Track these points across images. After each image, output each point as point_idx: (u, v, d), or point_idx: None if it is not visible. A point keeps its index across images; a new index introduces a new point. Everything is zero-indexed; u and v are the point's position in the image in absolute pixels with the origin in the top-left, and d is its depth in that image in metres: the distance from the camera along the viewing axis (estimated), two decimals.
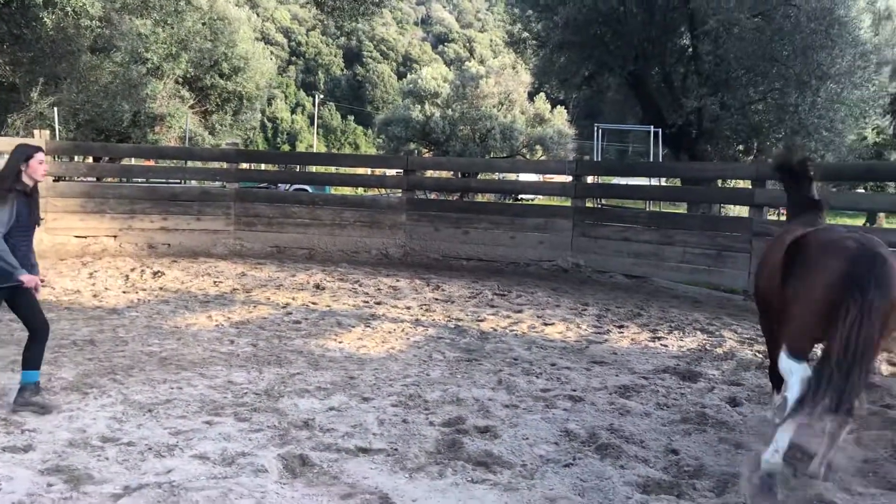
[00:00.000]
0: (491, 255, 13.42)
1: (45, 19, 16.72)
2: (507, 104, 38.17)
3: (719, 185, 16.32)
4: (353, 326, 7.99)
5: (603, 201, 15.07)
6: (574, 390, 5.80)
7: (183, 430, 4.59)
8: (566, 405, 5.40)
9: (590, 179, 15.79)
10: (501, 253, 13.36)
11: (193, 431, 4.56)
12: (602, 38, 17.62)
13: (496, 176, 31.38)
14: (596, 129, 19.09)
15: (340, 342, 7.29)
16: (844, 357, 3.60)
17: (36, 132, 13.77)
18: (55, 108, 18.36)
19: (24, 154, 4.91)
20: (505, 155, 35.86)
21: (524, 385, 5.88)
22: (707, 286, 11.75)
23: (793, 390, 3.83)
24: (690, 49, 18.68)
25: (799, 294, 3.99)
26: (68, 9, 14.11)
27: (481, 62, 47.89)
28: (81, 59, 19.14)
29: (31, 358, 4.96)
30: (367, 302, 9.47)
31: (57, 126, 17.88)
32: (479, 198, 26.82)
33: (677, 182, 19.54)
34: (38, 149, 5.05)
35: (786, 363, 3.98)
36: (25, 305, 4.97)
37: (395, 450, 4.39)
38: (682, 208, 21.36)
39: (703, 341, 7.84)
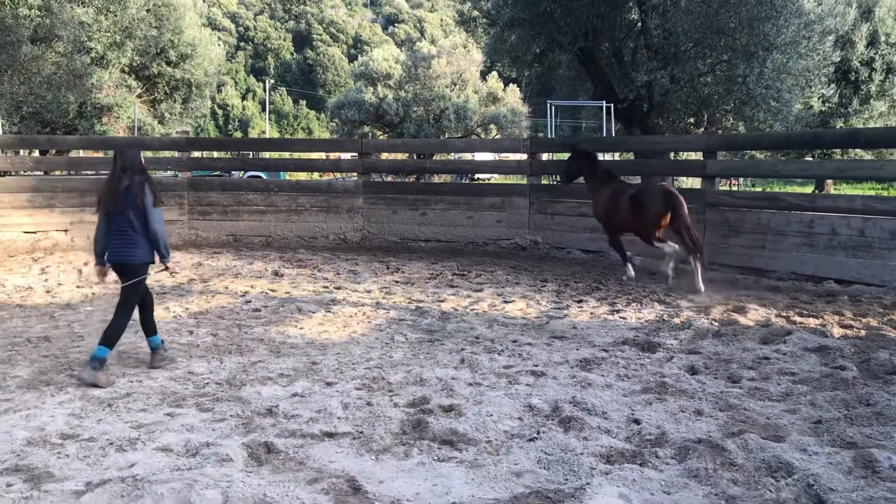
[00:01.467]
0: (449, 236, 13.44)
1: None
2: (460, 84, 38.07)
3: (672, 157, 16.51)
4: (314, 312, 7.96)
5: (558, 178, 15.15)
6: (536, 366, 5.85)
7: (144, 423, 4.54)
8: (529, 381, 5.46)
9: (545, 157, 15.87)
10: (460, 233, 13.39)
11: (155, 424, 4.52)
12: (552, 15, 17.62)
13: (452, 156, 31.34)
14: (549, 106, 19.15)
15: (301, 328, 7.26)
16: (691, 235, 9.22)
17: None
18: None
19: None
20: (460, 135, 35.82)
21: (487, 363, 5.92)
22: None
23: (671, 247, 9.39)
24: (639, 23, 18.79)
25: (648, 215, 9.38)
26: None
27: (432, 42, 47.66)
28: (22, 49, 18.52)
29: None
30: (326, 287, 9.43)
31: (0, 120, 17.37)
32: (436, 179, 26.80)
33: (631, 156, 19.72)
34: None
35: (661, 245, 9.51)
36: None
37: (361, 433, 4.39)
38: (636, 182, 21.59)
39: (661, 312, 7.97)
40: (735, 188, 29.71)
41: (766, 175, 23.04)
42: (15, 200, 13.08)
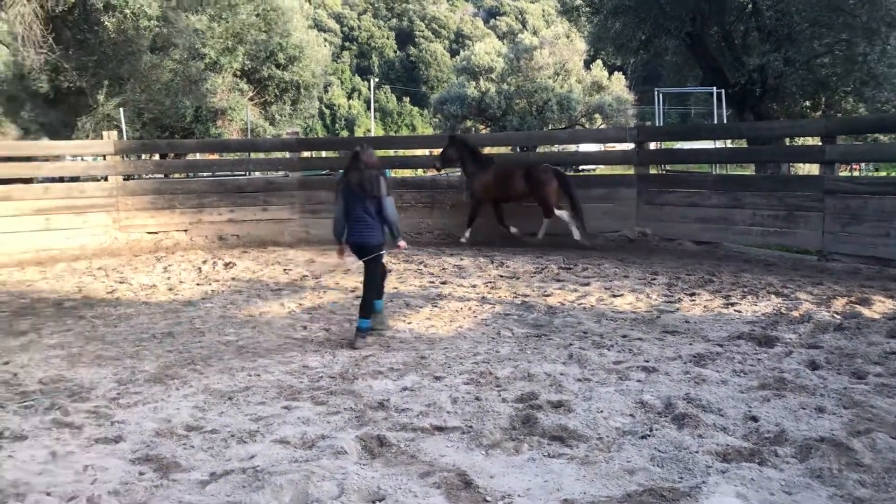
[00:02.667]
0: (555, 229, 13.31)
1: (107, 23, 17.16)
2: (563, 74, 37.64)
3: (787, 143, 15.83)
4: (421, 307, 8.05)
5: (667, 167, 14.77)
6: (647, 361, 5.74)
7: (263, 415, 4.71)
8: (640, 376, 5.36)
9: (652, 146, 15.51)
10: (565, 226, 13.24)
11: (273, 417, 4.68)
12: (658, 1, 17.18)
13: (555, 148, 31.06)
14: (656, 93, 18.68)
15: (409, 323, 7.36)
16: (577, 205, 12.22)
17: (104, 133, 14.18)
18: (121, 109, 18.87)
19: None
20: (563, 126, 35.44)
21: (596, 358, 5.85)
22: (779, 248, 11.47)
23: (565, 214, 12.27)
24: (750, 5, 18.09)
25: (546, 190, 12.20)
26: (127, 11, 14.46)
27: (534, 33, 47.32)
28: (142, 59, 19.58)
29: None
30: (432, 282, 9.53)
31: (124, 126, 18.38)
32: None
33: (743, 143, 19.03)
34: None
35: (560, 213, 12.26)
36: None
37: (470, 427, 4.42)
38: (749, 170, 20.82)
39: (778, 305, 7.66)
40: (857, 173, 28.22)
41: (890, 160, 21.80)
42: (138, 203, 13.80)
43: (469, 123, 38.28)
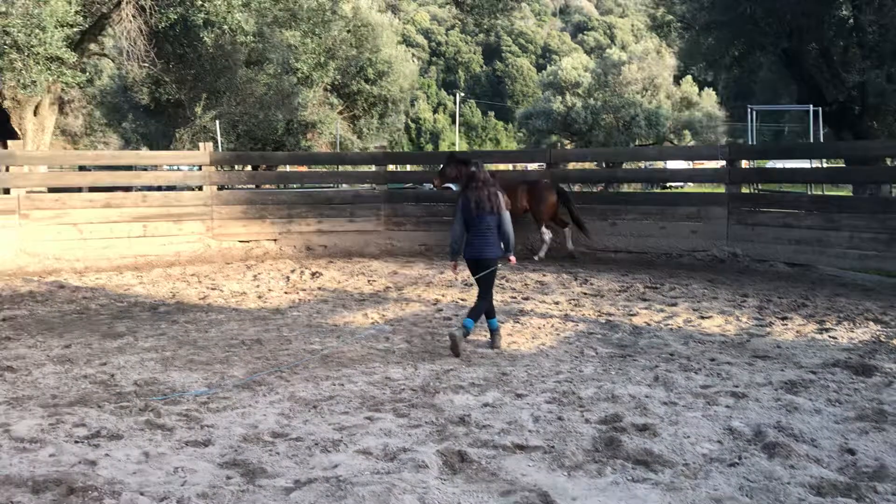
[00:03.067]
0: (640, 247, 13.11)
1: (206, 38, 17.83)
2: (652, 89, 37.12)
3: (888, 163, 15.17)
4: (502, 322, 8.02)
5: (759, 186, 14.33)
6: (736, 386, 5.56)
7: (346, 425, 4.78)
8: (728, 402, 5.20)
9: (744, 164, 15.10)
10: (651, 244, 13.02)
11: (356, 427, 4.74)
12: (752, 16, 16.75)
13: (642, 165, 30.59)
14: (749, 110, 18.19)
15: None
16: (578, 218, 12.85)
17: (201, 145, 14.70)
18: (217, 121, 19.56)
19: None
20: (651, 142, 34.90)
21: (682, 381, 5.71)
22: (878, 273, 10.98)
23: (547, 235, 12.96)
24: (851, 20, 17.45)
25: (542, 205, 12.84)
26: (225, 27, 14.98)
27: (623, 48, 46.85)
28: (238, 73, 20.27)
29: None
30: (514, 297, 9.50)
31: (219, 138, 19.04)
32: (626, 188, 26.26)
33: (840, 163, 18.33)
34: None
35: (545, 230, 12.87)
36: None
37: (552, 447, 4.37)
38: (846, 190, 20.03)
39: (877, 332, 7.33)
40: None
41: None
42: (231, 212, 14.23)
43: (554, 138, 38.11)
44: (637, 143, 35.17)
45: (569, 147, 36.92)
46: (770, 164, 25.11)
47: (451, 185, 14.14)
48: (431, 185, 13.92)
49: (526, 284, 10.47)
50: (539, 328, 7.78)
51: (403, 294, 9.85)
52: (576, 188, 22.01)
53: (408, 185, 23.00)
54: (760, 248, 12.14)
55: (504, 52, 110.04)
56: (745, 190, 13.77)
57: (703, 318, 8.18)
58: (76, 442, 4.50)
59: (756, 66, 19.10)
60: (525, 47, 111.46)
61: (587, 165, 20.48)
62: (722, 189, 13.41)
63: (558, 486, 3.81)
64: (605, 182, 23.29)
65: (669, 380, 5.72)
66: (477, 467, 4.07)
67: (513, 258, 7.15)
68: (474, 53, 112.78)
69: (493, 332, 7.05)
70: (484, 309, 6.91)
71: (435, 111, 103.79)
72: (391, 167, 17.09)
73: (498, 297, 9.47)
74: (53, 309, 8.94)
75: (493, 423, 4.80)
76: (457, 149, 71.74)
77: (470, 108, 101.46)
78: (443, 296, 9.65)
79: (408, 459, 4.12)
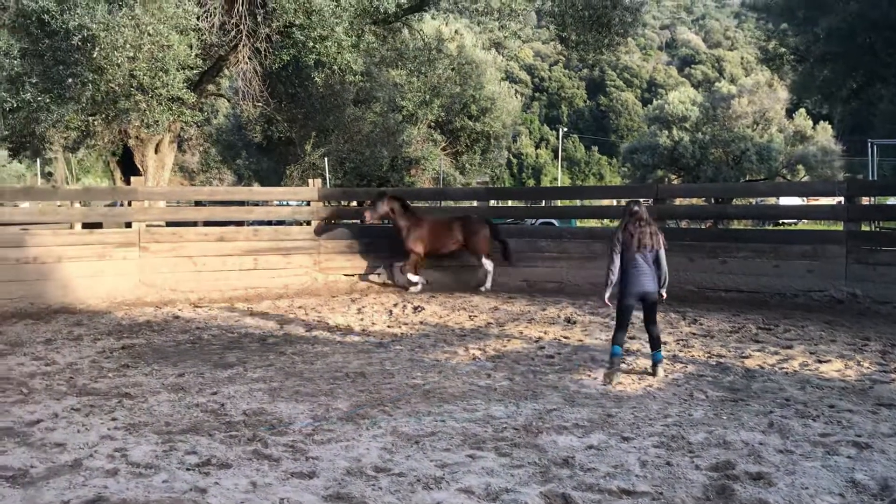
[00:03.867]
0: (752, 286, 12.60)
1: (316, 78, 18.48)
2: (763, 123, 36.02)
3: None
4: (604, 362, 7.84)
5: (881, 224, 13.62)
6: (859, 436, 5.23)
7: (448, 462, 4.74)
8: (850, 452, 4.89)
9: (865, 201, 14.39)
10: (764, 283, 12.51)
11: (458, 465, 4.69)
12: (871, 47, 16.05)
13: (753, 201, 29.60)
14: (869, 144, 17.37)
15: (595, 378, 7.19)
16: (509, 252, 13.74)
17: (310, 181, 15.16)
18: (325, 158, 20.16)
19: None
20: (762, 177, 33.78)
21: (799, 429, 5.41)
22: None
23: (489, 265, 13.57)
24: None
25: (479, 238, 13.50)
26: (335, 67, 15.47)
27: (732, 81, 45.77)
28: (346, 111, 20.89)
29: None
30: None
31: (327, 174, 19.60)
32: (736, 224, 25.45)
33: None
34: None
35: (487, 262, 13.52)
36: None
37: (661, 493, 4.21)
38: None
39: None
40: None
41: None
42: (337, 246, 14.57)
43: (660, 173, 37.43)
44: (748, 178, 34.10)
45: (676, 182, 36.17)
46: (892, 200, 23.90)
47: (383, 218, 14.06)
48: (360, 220, 14.03)
49: (632, 323, 10.21)
50: (646, 369, 7.56)
51: (505, 330, 9.79)
52: (682, 224, 21.50)
53: (509, 221, 23.02)
54: (882, 288, 11.47)
55: (608, 86, 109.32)
56: (865, 228, 13.09)
57: (820, 361, 7.76)
58: (188, 469, 4.64)
59: (876, 98, 18.26)
60: (630, 81, 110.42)
61: (696, 201, 19.95)
62: (839, 226, 12.78)
63: None
64: (715, 218, 22.64)
65: (785, 426, 5.43)
66: None
67: (664, 293, 7.40)
68: (578, 88, 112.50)
69: (615, 356, 7.33)
70: (657, 334, 7.43)
71: (537, 146, 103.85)
72: (493, 202, 17.13)
73: (602, 336, 9.30)
74: (169, 338, 9.32)
75: (598, 465, 4.67)
76: (559, 184, 71.52)
77: (573, 142, 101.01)
78: (545, 333, 9.53)
79: (510, 500, 4.05)
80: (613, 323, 10.12)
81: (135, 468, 4.65)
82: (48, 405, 6.17)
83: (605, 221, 22.91)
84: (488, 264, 13.49)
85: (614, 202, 20.79)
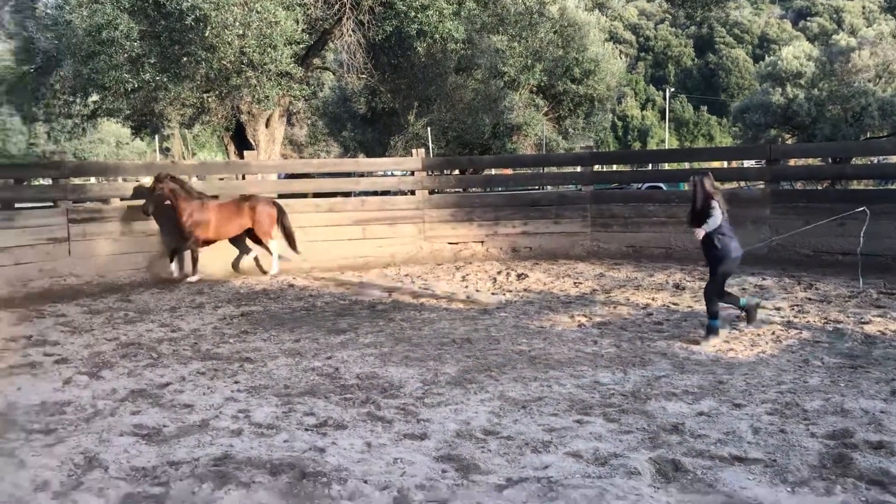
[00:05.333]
0: (874, 249, 11.99)
1: (418, 48, 18.56)
2: (887, 77, 33.86)
3: None
4: (719, 328, 7.68)
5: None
6: None
7: (556, 427, 4.81)
8: None
9: None
10: (888, 246, 11.89)
11: (565, 429, 4.75)
12: None
13: (875, 160, 28.04)
14: None
15: (711, 344, 7.07)
16: (291, 234, 12.83)
17: (413, 151, 15.34)
18: (428, 128, 20.32)
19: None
20: (885, 134, 31.88)
21: None
22: None
23: (273, 245, 12.66)
24: None
25: (268, 220, 12.45)
26: (437, 36, 15.50)
27: (852, 33, 43.20)
28: (448, 80, 20.93)
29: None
30: None
31: (430, 144, 19.75)
32: (855, 185, 24.21)
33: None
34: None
35: (272, 244, 12.60)
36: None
37: (774, 461, 4.15)
38: None
39: None
40: None
41: None
42: (441, 215, 14.73)
43: (773, 132, 35.88)
44: (868, 135, 32.26)
45: (790, 142, 34.62)
46: None
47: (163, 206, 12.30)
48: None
49: (744, 289, 9.96)
50: (758, 335, 7.38)
51: (611, 297, 9.72)
52: (797, 186, 20.62)
53: (614, 186, 22.65)
54: None
55: (717, 43, 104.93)
56: None
57: None
58: (306, 430, 4.88)
59: None
60: (740, 38, 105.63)
61: (811, 161, 19.05)
62: None
63: (781, 502, 3.61)
64: (832, 179, 21.58)
65: None
66: (692, 477, 3.95)
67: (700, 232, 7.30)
68: (685, 47, 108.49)
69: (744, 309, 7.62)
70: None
71: (643, 108, 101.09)
72: (597, 167, 16.90)
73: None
74: (284, 306, 9.72)
75: (708, 432, 4.63)
76: (666, 146, 69.56)
77: (680, 103, 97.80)
78: (653, 300, 9.41)
79: (619, 465, 4.08)
80: (727, 289, 9.92)
81: (257, 428, 4.93)
82: (176, 369, 6.58)
83: (716, 185, 22.28)
84: (272, 244, 12.61)
85: (724, 164, 20.12)
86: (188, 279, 11.90)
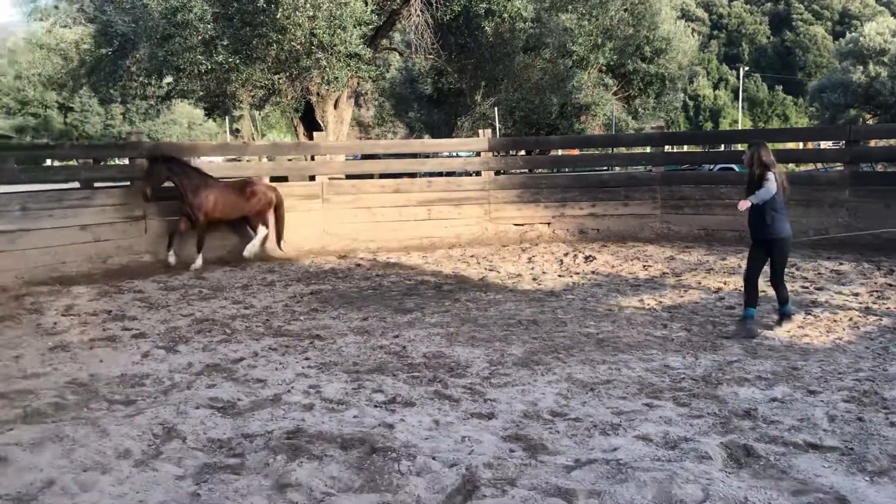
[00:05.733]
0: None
1: (486, 27, 18.48)
2: None
3: None
4: (793, 313, 7.49)
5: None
6: None
7: (624, 410, 4.77)
8: None
9: None
10: None
11: (634, 412, 4.71)
12: None
13: None
14: None
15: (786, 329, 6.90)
16: (282, 227, 12.53)
17: (480, 131, 15.30)
18: (495, 108, 20.24)
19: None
20: None
21: None
22: None
23: (263, 231, 12.17)
24: None
25: (267, 205, 12.18)
26: (505, 15, 15.43)
27: None
28: (515, 60, 20.78)
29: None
30: (806, 287, 8.82)
31: (497, 124, 19.69)
32: None
33: None
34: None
35: (262, 229, 12.12)
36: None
37: (851, 449, 4.04)
38: None
39: None
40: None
41: None
42: (507, 196, 14.67)
43: (853, 112, 34.61)
44: None
45: (871, 122, 33.34)
46: None
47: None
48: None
49: (819, 273, 9.68)
50: (834, 321, 7.17)
51: (681, 280, 9.55)
52: (878, 167, 19.86)
53: (684, 167, 22.19)
54: None
55: (794, 20, 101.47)
56: None
57: None
58: (375, 406, 4.96)
59: None
60: (819, 14, 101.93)
61: (893, 142, 18.32)
62: None
63: (858, 491, 3.52)
64: None
65: None
66: (765, 463, 3.88)
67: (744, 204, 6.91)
68: (760, 24, 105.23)
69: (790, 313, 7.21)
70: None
71: (716, 87, 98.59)
72: (668, 148, 16.56)
73: (787, 287, 8.86)
74: (352, 285, 9.85)
75: (782, 418, 4.53)
76: (739, 127, 67.80)
77: (755, 82, 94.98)
78: (725, 283, 9.22)
79: (689, 449, 4.03)
80: (800, 273, 9.67)
81: (328, 404, 5.03)
82: (248, 345, 6.75)
83: (791, 166, 21.52)
84: (263, 229, 12.21)
85: (800, 145, 19.51)
86: (192, 267, 11.32)
